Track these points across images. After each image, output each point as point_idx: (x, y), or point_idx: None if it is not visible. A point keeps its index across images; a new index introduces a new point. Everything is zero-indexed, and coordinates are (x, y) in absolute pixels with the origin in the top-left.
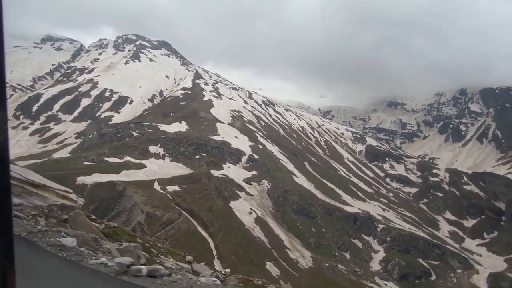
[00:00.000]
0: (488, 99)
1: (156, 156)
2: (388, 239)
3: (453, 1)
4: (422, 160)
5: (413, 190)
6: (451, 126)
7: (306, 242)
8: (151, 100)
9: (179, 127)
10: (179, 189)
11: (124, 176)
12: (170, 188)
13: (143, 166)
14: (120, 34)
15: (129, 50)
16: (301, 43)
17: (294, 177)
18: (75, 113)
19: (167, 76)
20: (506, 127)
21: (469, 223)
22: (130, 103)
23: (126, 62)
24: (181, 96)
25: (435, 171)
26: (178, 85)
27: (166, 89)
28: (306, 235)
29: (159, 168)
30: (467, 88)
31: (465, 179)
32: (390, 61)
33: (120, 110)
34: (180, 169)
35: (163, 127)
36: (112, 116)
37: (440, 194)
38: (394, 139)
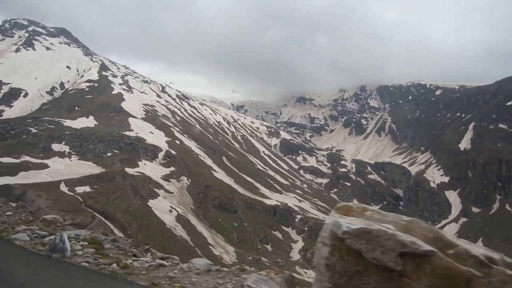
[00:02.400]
0: (384, 96)
1: (61, 154)
2: (306, 228)
3: (350, 3)
4: (331, 152)
5: (325, 180)
6: (353, 120)
7: (229, 237)
8: (50, 93)
9: (87, 122)
10: (91, 189)
11: (23, 178)
12: (80, 189)
13: (46, 166)
14: (8, 18)
15: (20, 37)
16: (212, 38)
17: (213, 172)
18: None
19: (68, 67)
20: (399, 121)
21: None
22: (25, 96)
23: (17, 50)
24: (87, 89)
25: (343, 162)
26: (82, 76)
27: (68, 81)
28: (228, 230)
29: (65, 167)
30: (366, 85)
31: (369, 169)
32: (297, 58)
33: (12, 104)
34: (90, 168)
35: (68, 123)
36: (2, 111)
37: (348, 184)
38: (304, 132)
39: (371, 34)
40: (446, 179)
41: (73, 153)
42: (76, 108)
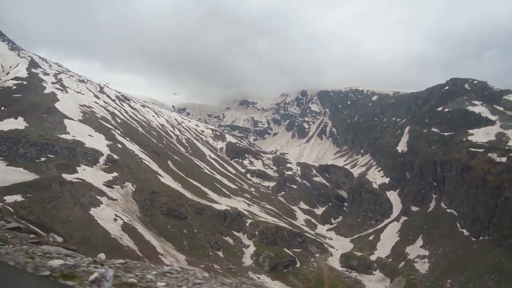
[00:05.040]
0: (325, 100)
1: None
2: (257, 233)
3: (289, 8)
4: (277, 156)
5: (272, 184)
6: (296, 124)
7: (179, 245)
8: None
9: (15, 124)
10: (23, 198)
11: None
12: (10, 199)
13: None
14: None
15: None
16: (151, 37)
17: (159, 177)
18: None
19: None
20: (339, 125)
21: (319, 211)
22: None
23: None
24: (14, 87)
25: (288, 165)
26: (8, 73)
27: None
28: (178, 237)
29: None
30: (307, 90)
31: (314, 171)
32: (239, 61)
33: None
34: (21, 175)
35: None
36: None
37: (295, 186)
38: (247, 136)
39: (310, 40)
40: (386, 180)
41: (0, 158)
42: (2, 108)
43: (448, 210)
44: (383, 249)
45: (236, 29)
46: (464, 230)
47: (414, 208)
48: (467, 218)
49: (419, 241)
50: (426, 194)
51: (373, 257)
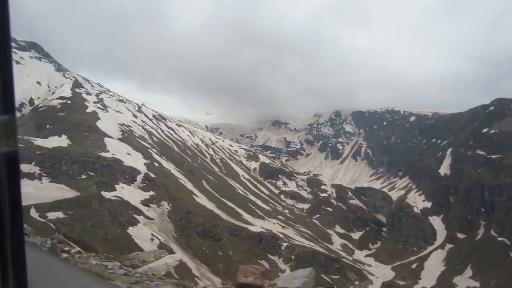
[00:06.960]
0: (359, 121)
1: (31, 176)
2: (293, 257)
3: (322, 30)
4: (311, 177)
5: (306, 205)
6: (329, 144)
7: (215, 268)
8: (18, 109)
9: (59, 141)
10: (64, 215)
11: None
12: (52, 215)
13: None
14: None
15: None
16: (185, 58)
17: (195, 197)
18: None
19: (38, 83)
20: (375, 146)
21: (356, 235)
22: None
23: None
24: (59, 106)
25: (323, 187)
26: (53, 93)
27: (38, 97)
28: (213, 260)
29: (35, 190)
30: (341, 111)
31: (349, 194)
32: (270, 81)
33: None
34: (63, 191)
35: (38, 142)
36: None
37: (330, 209)
38: (280, 156)
39: (342, 60)
40: (428, 204)
41: (43, 174)
42: (48, 126)
43: (500, 239)
44: (428, 278)
45: (267, 49)
46: None
47: (460, 235)
48: None
49: (468, 271)
50: (473, 220)
51: (417, 287)
